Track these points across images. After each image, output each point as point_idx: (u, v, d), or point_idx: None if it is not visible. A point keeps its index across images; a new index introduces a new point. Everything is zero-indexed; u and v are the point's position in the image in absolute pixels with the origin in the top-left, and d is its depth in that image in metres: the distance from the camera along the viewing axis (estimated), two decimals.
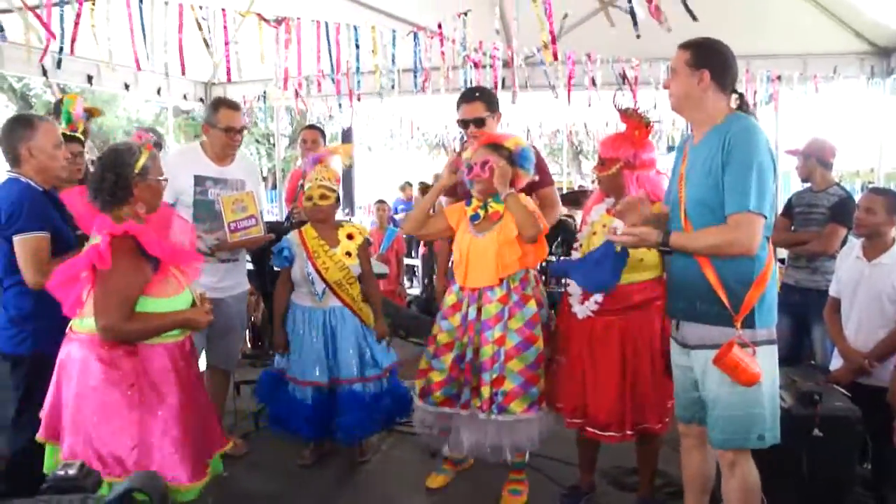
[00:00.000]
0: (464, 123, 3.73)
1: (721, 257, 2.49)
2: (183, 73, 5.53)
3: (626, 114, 3.22)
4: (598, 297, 3.20)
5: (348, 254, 3.77)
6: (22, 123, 3.09)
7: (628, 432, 3.19)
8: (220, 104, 3.89)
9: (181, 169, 3.70)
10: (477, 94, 3.77)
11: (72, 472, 0.91)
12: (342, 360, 3.73)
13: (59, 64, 4.73)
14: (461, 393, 3.40)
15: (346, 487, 3.81)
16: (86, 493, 0.89)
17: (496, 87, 5.94)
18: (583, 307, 3.26)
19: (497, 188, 3.28)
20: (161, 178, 2.64)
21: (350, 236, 3.83)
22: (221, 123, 3.80)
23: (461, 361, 3.38)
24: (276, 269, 4.74)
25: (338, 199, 3.86)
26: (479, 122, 3.67)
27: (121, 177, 2.51)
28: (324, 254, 3.72)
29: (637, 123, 3.19)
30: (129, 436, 2.41)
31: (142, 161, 2.55)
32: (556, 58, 5.02)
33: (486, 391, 3.29)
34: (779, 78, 6.05)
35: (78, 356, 2.49)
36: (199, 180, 3.79)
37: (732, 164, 2.44)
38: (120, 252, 2.38)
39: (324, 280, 3.71)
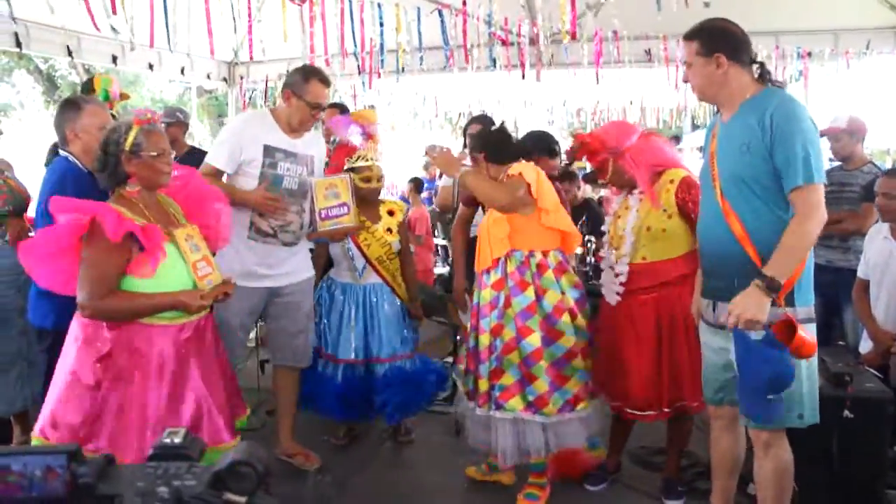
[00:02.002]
0: None
1: (762, 235, 2.43)
2: (212, 55, 5.51)
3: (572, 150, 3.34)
4: (622, 278, 3.20)
5: (389, 230, 3.77)
6: (69, 106, 3.15)
7: (665, 410, 3.18)
8: (312, 75, 3.42)
9: (250, 137, 3.35)
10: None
11: (177, 439, 0.92)
12: (383, 337, 3.74)
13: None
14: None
15: (370, 465, 3.83)
16: (191, 461, 0.90)
17: (522, 65, 5.89)
18: (610, 292, 3.26)
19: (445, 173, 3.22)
20: (155, 153, 2.49)
21: (391, 212, 3.84)
22: (309, 97, 3.36)
23: (469, 351, 3.29)
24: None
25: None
26: None
27: (109, 156, 2.49)
28: (365, 230, 3.71)
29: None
30: (83, 408, 2.41)
31: (131, 138, 2.47)
32: (573, 37, 4.94)
33: (483, 384, 3.16)
34: (809, 54, 5.92)
35: (72, 328, 2.53)
36: (269, 151, 3.37)
37: (784, 140, 2.38)
38: (97, 230, 2.36)
39: (365, 257, 3.71)
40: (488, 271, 3.19)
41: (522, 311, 3.08)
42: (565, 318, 3.10)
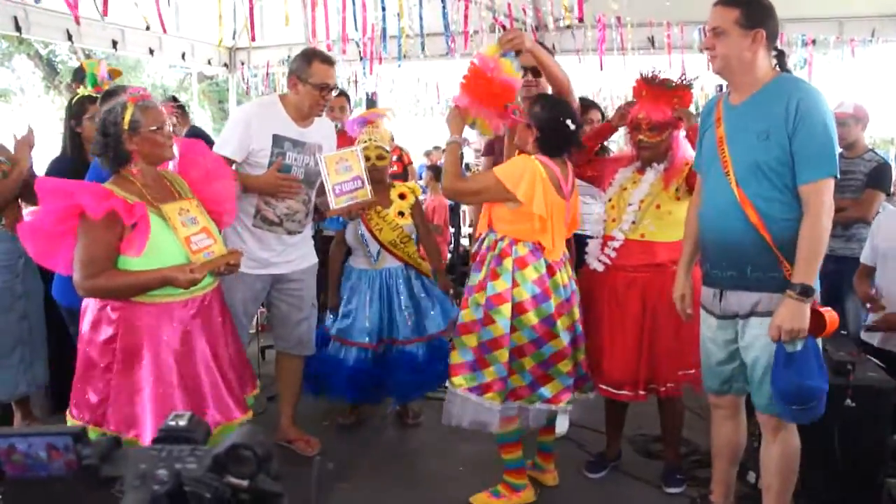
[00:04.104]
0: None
1: (777, 221, 2.41)
2: (220, 24, 5.46)
3: (665, 83, 3.15)
4: (617, 243, 3.18)
5: (401, 213, 3.78)
6: (107, 97, 3.11)
7: (640, 392, 3.19)
8: (314, 56, 3.37)
9: (259, 126, 3.31)
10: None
11: (182, 422, 0.92)
12: (398, 320, 3.77)
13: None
14: None
15: (372, 450, 3.84)
16: (195, 445, 0.90)
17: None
18: (597, 259, 3.25)
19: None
20: (154, 127, 2.48)
21: (402, 196, 3.84)
22: (314, 78, 3.29)
23: None
24: (323, 234, 4.76)
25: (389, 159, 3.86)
26: (536, 72, 3.34)
27: (109, 137, 2.47)
28: (376, 215, 3.71)
29: (682, 87, 3.16)
30: (98, 389, 2.48)
31: (128, 115, 2.45)
32: (580, 20, 4.92)
33: None
34: (814, 42, 5.90)
35: (85, 309, 2.57)
36: (278, 140, 3.32)
37: (807, 130, 2.34)
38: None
39: (377, 241, 3.72)
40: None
41: (471, 286, 3.09)
42: (504, 308, 2.96)
